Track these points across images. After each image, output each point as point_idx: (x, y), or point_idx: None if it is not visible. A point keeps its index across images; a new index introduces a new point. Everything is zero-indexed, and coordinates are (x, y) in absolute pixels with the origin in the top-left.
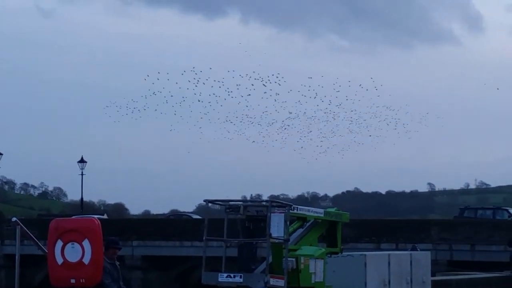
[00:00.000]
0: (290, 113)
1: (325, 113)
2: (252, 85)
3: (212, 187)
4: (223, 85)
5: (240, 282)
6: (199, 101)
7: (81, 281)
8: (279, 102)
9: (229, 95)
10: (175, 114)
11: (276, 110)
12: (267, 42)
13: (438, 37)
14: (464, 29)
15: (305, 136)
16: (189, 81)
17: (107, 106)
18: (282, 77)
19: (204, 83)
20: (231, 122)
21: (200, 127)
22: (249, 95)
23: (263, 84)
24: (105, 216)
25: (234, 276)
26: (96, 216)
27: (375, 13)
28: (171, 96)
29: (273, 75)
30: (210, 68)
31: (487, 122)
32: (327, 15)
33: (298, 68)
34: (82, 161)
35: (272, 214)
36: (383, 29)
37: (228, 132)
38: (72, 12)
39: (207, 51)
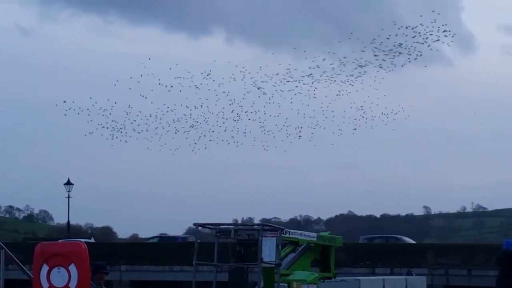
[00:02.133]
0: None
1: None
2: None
3: (203, 210)
4: (214, 106)
5: None
6: (193, 123)
7: None
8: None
9: (217, 115)
10: (159, 138)
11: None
12: (253, 61)
13: (429, 57)
14: (455, 49)
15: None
16: (174, 104)
17: (90, 132)
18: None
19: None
20: (220, 143)
21: (191, 150)
22: (238, 114)
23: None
24: (92, 240)
25: None
26: (83, 240)
27: (363, 33)
28: (156, 117)
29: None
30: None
31: (483, 145)
32: (315, 35)
33: (283, 88)
34: (68, 183)
35: (263, 238)
36: (372, 49)
37: (218, 154)
38: (52, 31)
39: (192, 70)
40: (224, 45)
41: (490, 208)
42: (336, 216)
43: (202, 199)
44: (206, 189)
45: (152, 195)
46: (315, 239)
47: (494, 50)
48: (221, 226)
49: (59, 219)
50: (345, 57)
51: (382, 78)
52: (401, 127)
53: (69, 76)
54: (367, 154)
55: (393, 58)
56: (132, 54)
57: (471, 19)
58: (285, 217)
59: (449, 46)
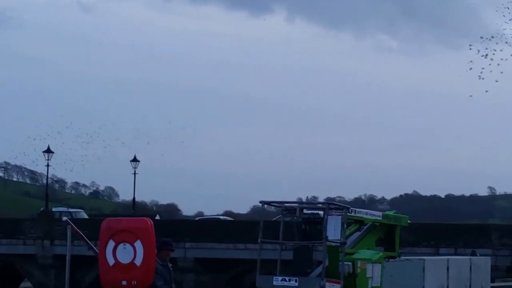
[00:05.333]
0: None
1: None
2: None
3: (267, 189)
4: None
5: (296, 286)
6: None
7: (133, 283)
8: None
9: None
10: (236, 115)
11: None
12: (313, 40)
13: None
14: None
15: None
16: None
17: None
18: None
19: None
20: (289, 123)
21: (259, 128)
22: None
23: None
24: (157, 217)
25: (289, 280)
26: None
27: (425, 13)
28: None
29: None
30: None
31: None
32: (377, 14)
33: (344, 67)
34: (135, 160)
35: (329, 216)
36: (433, 29)
37: (283, 133)
38: (113, 8)
39: (253, 48)
40: (285, 24)
41: None
42: (401, 195)
43: (267, 177)
44: (272, 168)
45: (217, 173)
46: (380, 218)
47: None
48: (287, 204)
49: (125, 195)
50: (407, 37)
51: (446, 57)
52: (465, 107)
53: (131, 52)
54: (433, 133)
55: (457, 39)
56: (192, 31)
57: None
58: (349, 196)
59: None
